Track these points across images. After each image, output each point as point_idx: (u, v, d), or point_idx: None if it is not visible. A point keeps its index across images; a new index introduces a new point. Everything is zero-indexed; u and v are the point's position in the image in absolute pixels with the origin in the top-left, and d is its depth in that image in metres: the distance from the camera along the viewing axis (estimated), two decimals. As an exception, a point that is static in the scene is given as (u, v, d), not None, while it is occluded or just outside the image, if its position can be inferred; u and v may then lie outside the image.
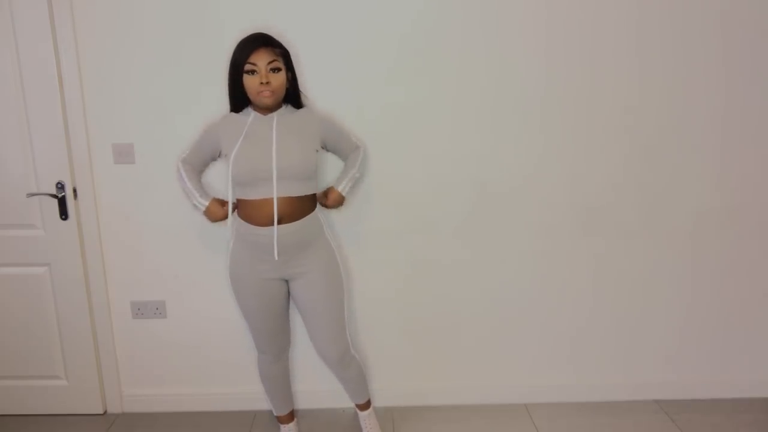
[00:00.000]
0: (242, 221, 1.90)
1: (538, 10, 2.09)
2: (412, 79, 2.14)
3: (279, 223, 1.84)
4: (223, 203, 2.00)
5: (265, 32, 1.85)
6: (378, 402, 2.44)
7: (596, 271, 2.34)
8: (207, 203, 1.98)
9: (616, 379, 2.46)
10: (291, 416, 2.25)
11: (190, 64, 2.11)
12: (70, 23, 2.07)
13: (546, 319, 2.40)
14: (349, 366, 2.07)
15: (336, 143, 2.04)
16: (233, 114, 1.93)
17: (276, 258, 1.85)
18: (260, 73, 1.78)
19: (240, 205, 1.92)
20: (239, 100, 1.89)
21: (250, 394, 2.43)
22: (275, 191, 1.82)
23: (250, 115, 1.89)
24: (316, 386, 2.40)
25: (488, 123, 2.19)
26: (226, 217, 1.96)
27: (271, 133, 1.84)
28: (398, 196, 2.25)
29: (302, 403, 2.43)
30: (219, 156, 1.98)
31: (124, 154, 2.19)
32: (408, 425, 2.34)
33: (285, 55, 1.86)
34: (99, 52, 2.11)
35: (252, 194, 1.85)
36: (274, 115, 1.88)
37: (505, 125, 2.19)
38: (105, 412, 2.47)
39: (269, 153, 1.81)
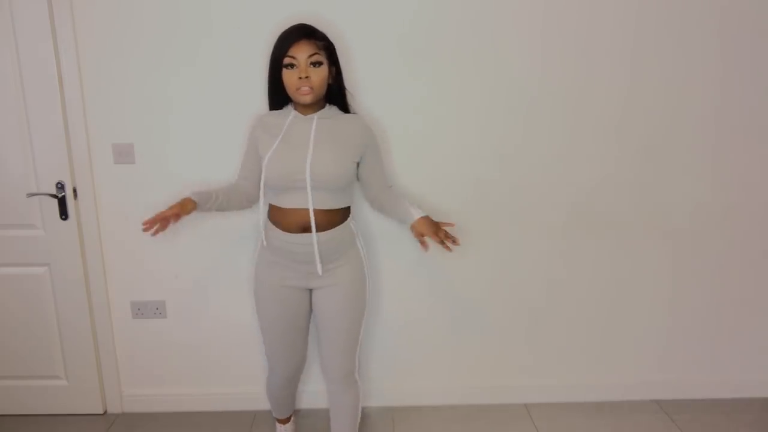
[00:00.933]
0: (272, 225, 1.81)
1: (534, 10, 2.09)
2: (409, 80, 2.14)
3: (308, 231, 1.75)
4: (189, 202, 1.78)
5: (308, 23, 1.75)
6: (378, 402, 2.45)
7: (596, 270, 2.34)
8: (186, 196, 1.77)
9: (616, 378, 2.47)
10: (289, 418, 2.25)
11: (190, 64, 2.10)
12: (70, 23, 2.07)
13: (546, 319, 2.40)
14: (349, 388, 1.93)
15: (370, 172, 1.88)
16: (272, 113, 1.83)
17: (318, 270, 1.77)
18: (299, 67, 1.66)
19: (271, 210, 1.83)
20: (280, 97, 1.78)
21: (250, 394, 2.43)
22: (310, 203, 1.71)
23: (290, 114, 1.78)
24: (319, 386, 2.40)
25: (484, 123, 2.18)
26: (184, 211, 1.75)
27: (309, 136, 1.73)
28: (398, 196, 2.25)
29: (305, 402, 2.43)
30: None
31: (124, 154, 2.19)
32: (408, 425, 2.34)
33: (328, 48, 1.73)
34: (99, 52, 2.11)
35: (283, 202, 1.75)
36: (315, 116, 1.76)
37: (501, 125, 2.19)
38: (105, 412, 2.47)
39: (303, 160, 1.70)
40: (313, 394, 2.42)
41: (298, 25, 1.73)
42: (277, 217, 1.79)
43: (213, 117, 2.14)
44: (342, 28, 2.07)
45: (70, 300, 2.32)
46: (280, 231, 1.78)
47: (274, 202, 1.79)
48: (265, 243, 1.84)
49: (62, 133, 2.15)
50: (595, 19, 2.10)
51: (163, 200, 2.22)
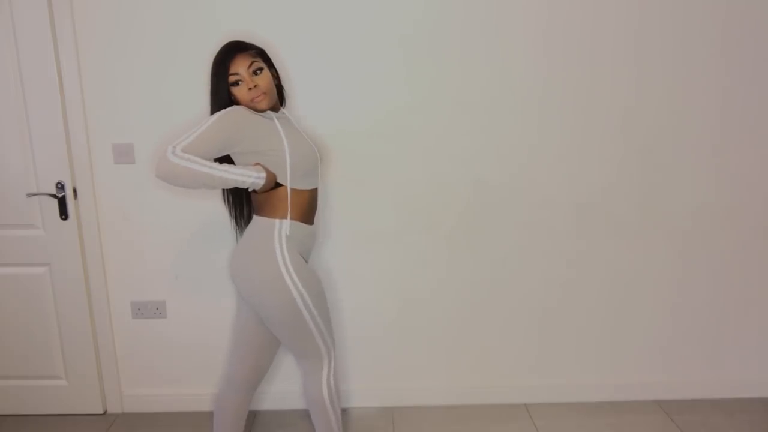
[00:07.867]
0: (296, 222, 1.76)
1: (538, 11, 2.09)
2: (412, 80, 2.14)
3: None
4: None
5: (237, 39, 1.78)
6: (378, 402, 2.45)
7: (595, 269, 2.34)
8: (264, 173, 1.68)
9: (616, 379, 2.46)
10: None
11: (189, 64, 2.10)
12: (70, 23, 2.07)
13: (545, 319, 2.40)
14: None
15: None
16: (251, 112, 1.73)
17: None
18: (245, 81, 1.70)
19: (293, 205, 1.75)
20: None
21: (250, 394, 2.42)
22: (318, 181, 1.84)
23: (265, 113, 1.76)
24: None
25: (487, 123, 2.19)
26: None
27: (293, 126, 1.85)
28: (397, 196, 2.25)
29: (303, 402, 2.43)
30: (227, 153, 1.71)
31: (124, 154, 2.19)
32: (408, 425, 2.34)
33: (262, 54, 1.79)
34: (99, 52, 2.11)
35: (310, 183, 1.79)
36: (273, 115, 1.77)
37: (504, 125, 2.19)
38: (105, 412, 2.47)
39: (307, 141, 1.82)
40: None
41: (228, 43, 1.76)
42: (302, 207, 1.77)
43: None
44: (342, 26, 2.07)
45: (70, 300, 2.32)
46: (304, 225, 1.79)
47: (302, 186, 1.76)
48: (288, 233, 1.75)
49: (62, 133, 2.16)
50: (600, 20, 2.10)
51: (163, 200, 2.23)
